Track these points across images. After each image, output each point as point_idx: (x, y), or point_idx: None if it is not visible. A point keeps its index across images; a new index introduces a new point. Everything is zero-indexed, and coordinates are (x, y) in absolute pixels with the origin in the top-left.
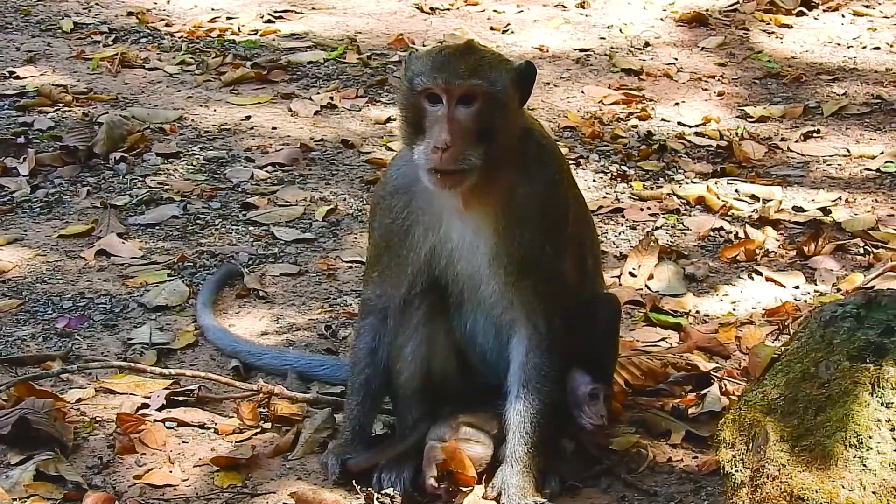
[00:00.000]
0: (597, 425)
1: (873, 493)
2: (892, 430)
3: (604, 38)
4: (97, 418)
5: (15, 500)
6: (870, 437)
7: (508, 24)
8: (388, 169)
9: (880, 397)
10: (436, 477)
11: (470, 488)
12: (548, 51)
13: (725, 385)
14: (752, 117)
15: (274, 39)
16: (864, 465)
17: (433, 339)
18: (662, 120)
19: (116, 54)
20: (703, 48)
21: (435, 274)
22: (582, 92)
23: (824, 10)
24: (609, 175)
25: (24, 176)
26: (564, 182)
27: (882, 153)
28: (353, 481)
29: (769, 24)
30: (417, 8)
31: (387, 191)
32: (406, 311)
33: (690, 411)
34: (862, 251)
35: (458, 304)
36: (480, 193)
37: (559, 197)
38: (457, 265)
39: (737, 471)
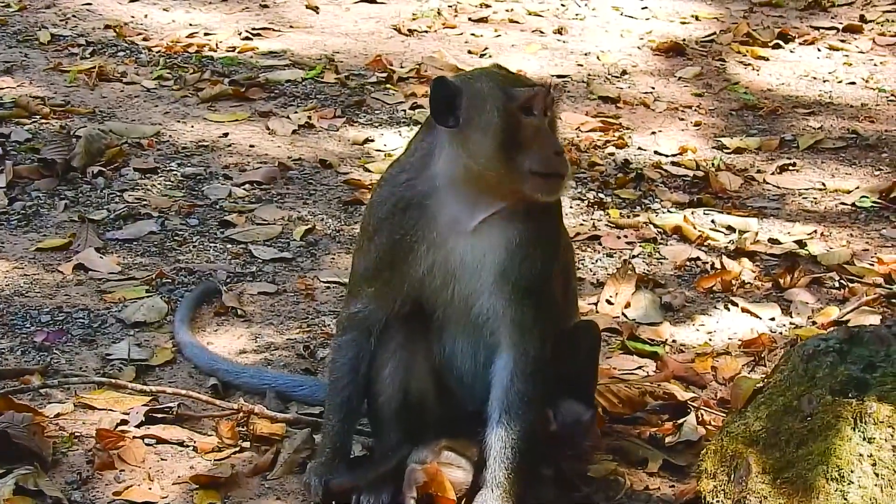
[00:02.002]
0: (594, 446)
1: None
2: (873, 464)
3: (581, 65)
4: (76, 433)
5: None
6: (851, 472)
7: (486, 49)
8: (390, 185)
9: (862, 432)
10: (415, 499)
11: None
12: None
13: (702, 415)
14: (728, 148)
15: (252, 57)
16: (846, 499)
17: (411, 362)
18: (639, 149)
19: (94, 67)
20: (679, 78)
21: (426, 293)
22: (559, 118)
23: (800, 44)
24: (586, 202)
25: (1, 188)
26: (560, 206)
27: (857, 188)
28: (334, 503)
29: (745, 55)
30: (395, 29)
31: (398, 207)
32: (386, 332)
33: (667, 440)
34: (837, 285)
35: (441, 326)
36: (493, 212)
37: (557, 220)
38: (453, 284)
39: (718, 501)
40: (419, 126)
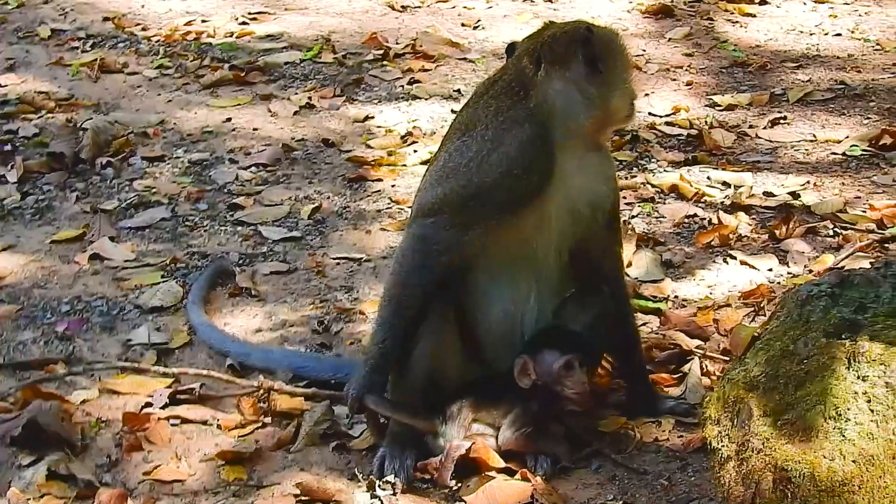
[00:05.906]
0: (580, 393)
1: (853, 461)
2: (868, 401)
3: None
4: (103, 418)
5: (30, 499)
6: (848, 409)
7: (479, 21)
8: (517, 139)
9: (856, 371)
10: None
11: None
12: None
13: (706, 365)
14: (720, 106)
15: (250, 41)
16: (843, 436)
17: (444, 342)
18: None
19: (95, 60)
20: (669, 39)
21: (518, 239)
22: None
23: None
24: None
25: (13, 183)
26: None
27: (847, 137)
28: (356, 469)
29: (733, 13)
30: (389, 6)
31: (527, 159)
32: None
33: (674, 392)
34: (831, 233)
35: (515, 274)
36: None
37: None
38: (557, 226)
39: (723, 446)
40: (503, 90)
